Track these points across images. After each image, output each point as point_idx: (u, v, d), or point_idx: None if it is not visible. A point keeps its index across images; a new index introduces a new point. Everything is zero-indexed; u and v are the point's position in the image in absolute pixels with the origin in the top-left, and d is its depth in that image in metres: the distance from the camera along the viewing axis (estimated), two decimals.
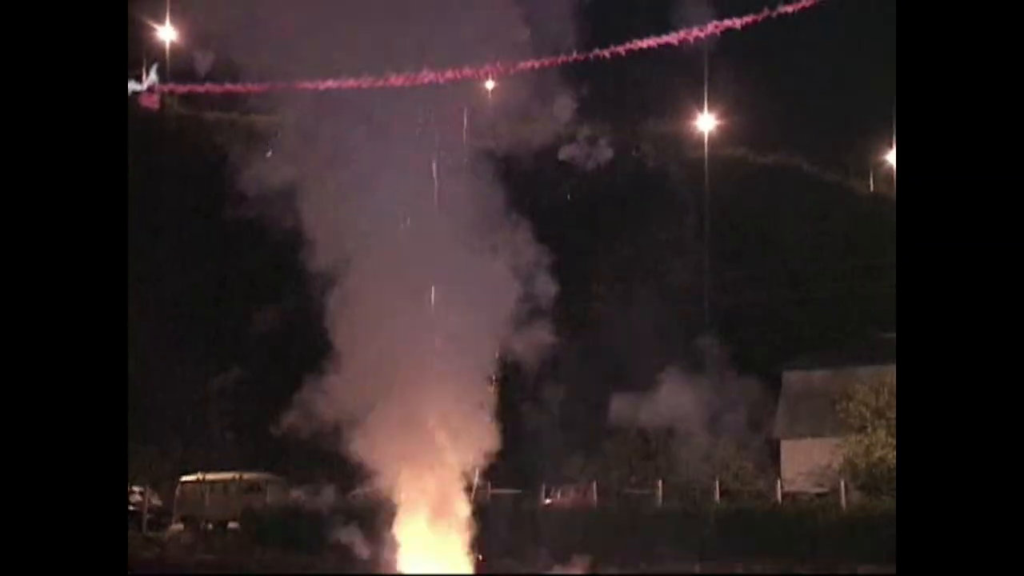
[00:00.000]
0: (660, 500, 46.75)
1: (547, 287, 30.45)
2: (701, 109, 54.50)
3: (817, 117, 62.13)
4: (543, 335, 30.59)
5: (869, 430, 45.41)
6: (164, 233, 51.25)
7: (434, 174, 29.32)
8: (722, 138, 56.72)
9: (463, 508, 32.38)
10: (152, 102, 19.02)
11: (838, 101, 59.02)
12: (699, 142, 54.61)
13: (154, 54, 29.51)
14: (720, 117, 55.01)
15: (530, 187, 30.68)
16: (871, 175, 66.78)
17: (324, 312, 29.49)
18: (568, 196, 30.97)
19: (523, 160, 30.52)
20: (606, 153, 46.31)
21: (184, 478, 50.42)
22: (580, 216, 31.31)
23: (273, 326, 30.79)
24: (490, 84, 34.98)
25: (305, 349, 29.86)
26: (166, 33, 40.32)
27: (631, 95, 37.70)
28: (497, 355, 30.22)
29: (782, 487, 48.35)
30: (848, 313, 49.83)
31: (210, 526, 48.99)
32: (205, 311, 50.49)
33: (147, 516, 49.09)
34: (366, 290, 28.87)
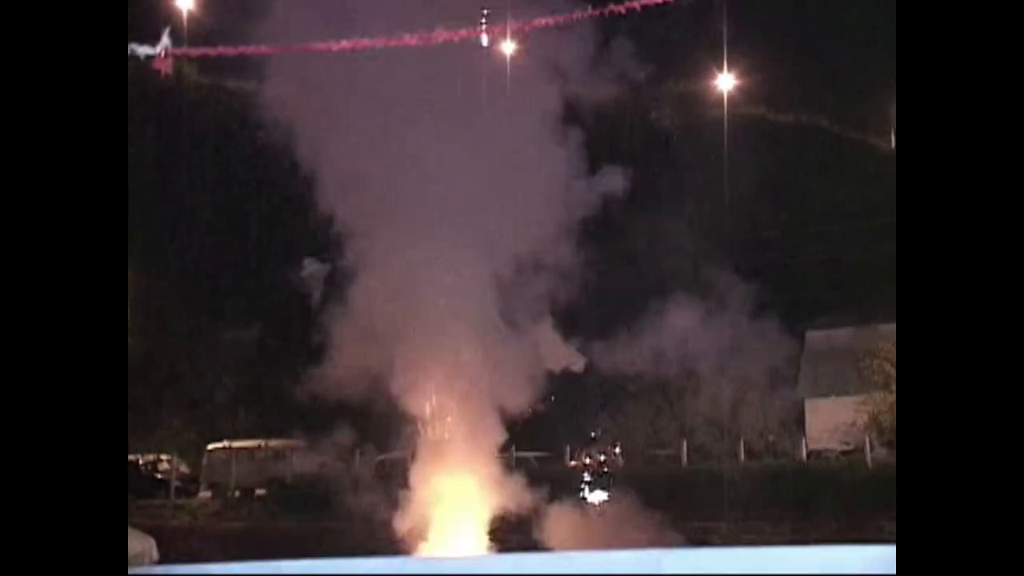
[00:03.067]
0: (685, 460, 46.99)
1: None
2: (720, 68, 54.28)
3: (836, 74, 61.88)
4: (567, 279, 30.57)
5: (892, 386, 45.43)
6: (181, 201, 51.36)
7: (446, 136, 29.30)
8: (741, 97, 56.52)
9: (490, 471, 32.53)
10: (166, 66, 19.00)
11: (857, 58, 58.70)
12: (718, 102, 54.43)
13: (169, 19, 29.41)
14: (739, 76, 54.79)
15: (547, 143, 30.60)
16: (891, 132, 66.60)
17: (345, 276, 29.60)
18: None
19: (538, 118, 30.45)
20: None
21: (211, 446, 50.72)
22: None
23: (294, 289, 30.82)
24: (509, 47, 34.91)
25: (325, 312, 29.95)
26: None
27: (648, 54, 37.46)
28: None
29: (807, 446, 48.57)
30: (869, 271, 49.77)
31: (237, 493, 49.30)
32: (224, 275, 50.59)
33: (175, 484, 49.43)
34: (390, 250, 28.94)
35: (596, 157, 30.83)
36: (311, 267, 29.53)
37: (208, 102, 49.93)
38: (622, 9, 21.94)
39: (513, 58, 32.56)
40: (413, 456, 32.17)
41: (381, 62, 26.58)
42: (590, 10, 22.38)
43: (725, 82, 54.39)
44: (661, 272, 33.72)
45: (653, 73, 45.72)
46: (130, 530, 7.52)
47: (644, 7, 26.55)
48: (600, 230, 31.15)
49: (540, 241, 29.52)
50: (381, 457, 43.24)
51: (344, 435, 38.91)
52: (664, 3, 25.19)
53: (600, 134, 31.82)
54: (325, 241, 29.54)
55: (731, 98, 54.49)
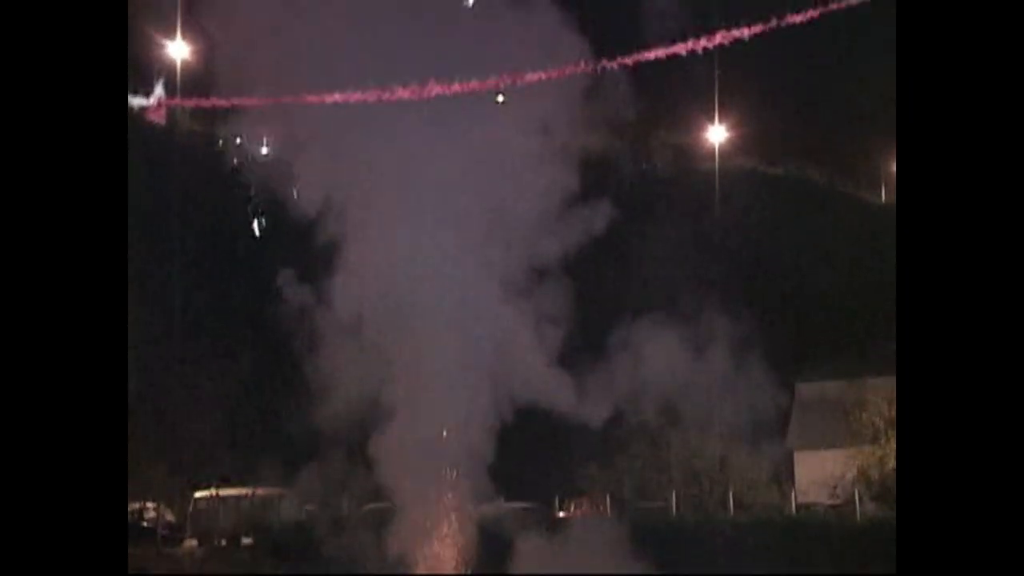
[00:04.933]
0: (674, 511, 46.73)
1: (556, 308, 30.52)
2: (712, 120, 54.57)
3: (828, 128, 62.08)
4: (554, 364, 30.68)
5: (882, 440, 45.39)
6: (170, 245, 51.23)
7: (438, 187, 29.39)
8: (733, 149, 56.74)
9: (477, 521, 32.41)
10: (159, 116, 19.02)
11: (849, 111, 58.93)
12: (709, 154, 54.64)
13: (163, 69, 29.57)
14: (731, 128, 55.05)
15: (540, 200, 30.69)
16: (883, 186, 66.74)
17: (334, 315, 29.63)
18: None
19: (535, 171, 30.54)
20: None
21: (198, 494, 50.40)
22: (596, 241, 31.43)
23: (279, 327, 30.83)
24: (500, 98, 35.05)
25: (312, 350, 29.96)
26: (176, 48, 40.33)
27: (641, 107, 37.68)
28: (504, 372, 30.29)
29: (796, 498, 48.34)
30: (860, 323, 49.74)
31: (223, 542, 48.92)
32: (211, 319, 50.45)
33: (161, 532, 49.02)
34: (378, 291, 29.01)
35: (587, 199, 30.94)
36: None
37: (199, 147, 49.94)
38: (614, 65, 22.05)
39: (506, 103, 32.75)
40: (397, 505, 32.07)
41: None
42: (583, 65, 22.51)
43: (717, 134, 54.65)
44: (646, 313, 33.64)
45: (645, 123, 45.94)
46: None
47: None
48: (586, 267, 31.21)
49: (526, 274, 29.58)
50: (369, 507, 42.98)
51: (331, 478, 38.69)
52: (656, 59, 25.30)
53: (591, 181, 31.85)
54: (315, 277, 29.58)
55: (722, 149, 54.74)
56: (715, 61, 51.19)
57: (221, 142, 36.36)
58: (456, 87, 20.91)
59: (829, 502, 47.82)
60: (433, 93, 20.43)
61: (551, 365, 30.52)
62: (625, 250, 31.84)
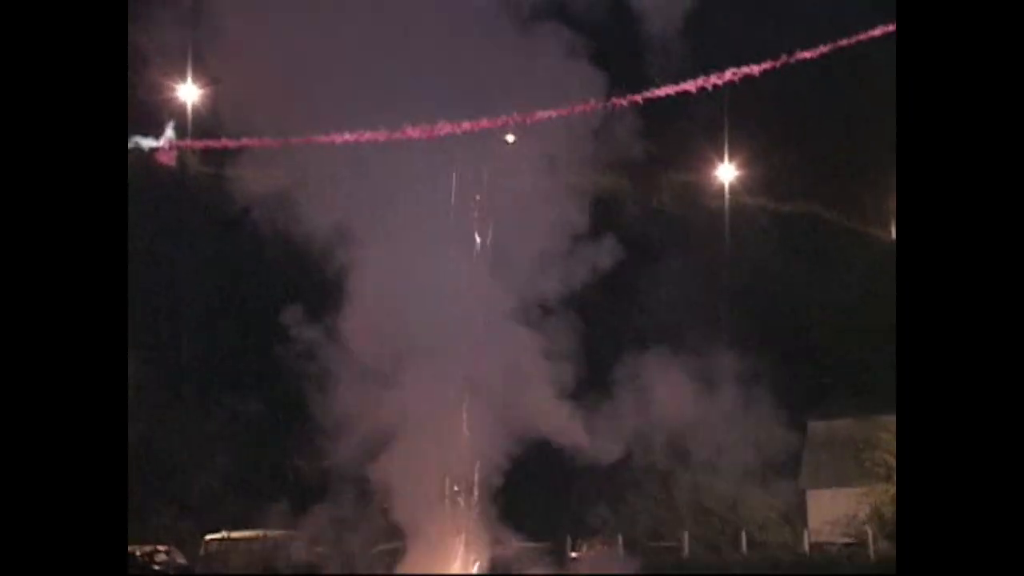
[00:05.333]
0: (687, 551, 46.59)
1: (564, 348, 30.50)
2: (721, 159, 54.58)
3: (838, 167, 62.03)
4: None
5: (895, 478, 45.21)
6: (178, 287, 51.24)
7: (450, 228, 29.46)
8: (742, 188, 56.73)
9: (489, 561, 32.30)
10: (169, 159, 19.15)
11: (859, 150, 58.90)
12: (719, 192, 54.61)
13: (173, 112, 29.66)
14: (740, 167, 55.05)
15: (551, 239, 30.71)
16: (893, 225, 66.61)
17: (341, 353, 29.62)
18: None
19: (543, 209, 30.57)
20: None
21: (208, 536, 50.21)
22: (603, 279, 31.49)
23: (288, 367, 30.84)
24: (510, 137, 35.12)
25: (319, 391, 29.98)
26: (186, 91, 40.46)
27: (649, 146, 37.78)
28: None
29: (809, 537, 48.18)
30: (871, 361, 49.61)
31: None
32: (219, 359, 50.41)
33: (172, 575, 48.85)
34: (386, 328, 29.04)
35: (595, 236, 30.98)
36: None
37: (209, 191, 50.04)
38: (624, 102, 22.06)
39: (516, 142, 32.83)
40: (407, 547, 31.99)
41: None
42: (593, 102, 22.56)
43: (726, 172, 54.67)
44: (654, 350, 33.56)
45: (654, 162, 46.04)
46: None
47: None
48: (593, 303, 31.21)
49: (533, 310, 29.58)
50: (379, 548, 42.80)
51: (341, 518, 38.48)
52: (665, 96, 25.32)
53: (599, 219, 31.88)
54: (322, 313, 29.63)
55: (732, 188, 54.75)
56: (724, 100, 51.40)
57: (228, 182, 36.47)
58: (466, 126, 20.95)
59: (842, 541, 47.68)
60: (443, 132, 20.47)
61: (560, 399, 30.46)
62: (633, 287, 31.82)
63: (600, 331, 32.10)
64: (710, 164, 55.36)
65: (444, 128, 20.98)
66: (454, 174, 28.65)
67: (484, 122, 23.43)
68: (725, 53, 24.71)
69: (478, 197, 29.28)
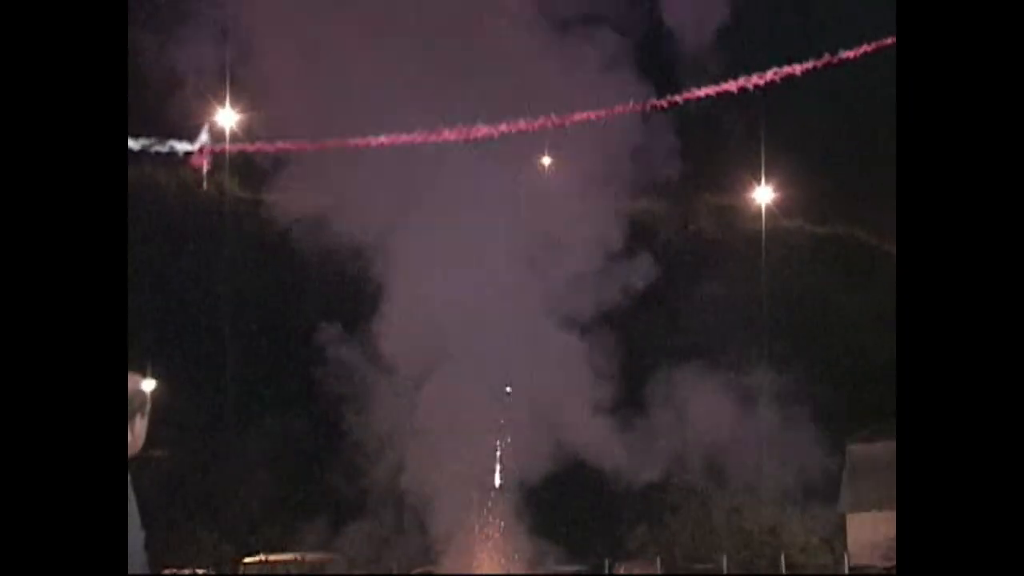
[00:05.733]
0: (725, 573, 46.35)
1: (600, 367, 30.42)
2: (758, 181, 54.45)
3: (876, 189, 61.77)
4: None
5: None
6: (216, 309, 51.40)
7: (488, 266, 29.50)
8: (779, 210, 56.60)
9: None
10: (201, 162, 19.25)
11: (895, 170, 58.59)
12: (756, 214, 54.47)
13: (208, 118, 29.74)
14: (777, 189, 54.91)
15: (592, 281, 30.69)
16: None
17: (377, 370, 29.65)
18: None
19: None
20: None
21: (246, 559, 50.28)
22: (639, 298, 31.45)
23: (323, 384, 30.91)
24: (546, 160, 35.20)
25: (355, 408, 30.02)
26: (224, 108, 40.64)
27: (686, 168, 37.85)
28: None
29: (849, 561, 47.85)
30: None
31: None
32: (258, 380, 50.56)
33: None
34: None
35: (632, 255, 30.96)
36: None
37: (248, 215, 50.29)
38: (663, 104, 22.01)
39: (553, 164, 32.88)
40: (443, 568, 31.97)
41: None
42: (631, 104, 22.48)
43: (763, 194, 54.56)
44: (691, 369, 33.43)
45: (690, 184, 46.00)
46: None
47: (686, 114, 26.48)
48: (631, 321, 31.19)
49: (570, 326, 29.55)
50: (417, 571, 42.80)
51: (379, 538, 38.52)
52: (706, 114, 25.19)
53: (636, 239, 31.88)
54: (358, 329, 29.68)
55: (769, 210, 54.62)
56: (761, 121, 51.34)
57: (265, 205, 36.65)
58: (503, 127, 20.90)
59: (883, 566, 47.30)
60: (480, 135, 20.44)
61: (596, 416, 30.41)
62: (669, 305, 31.79)
63: (637, 349, 32.06)
64: (748, 187, 55.28)
65: (481, 130, 20.96)
66: (490, 188, 28.68)
67: (521, 123, 23.39)
68: (764, 58, 24.65)
69: (516, 211, 29.32)
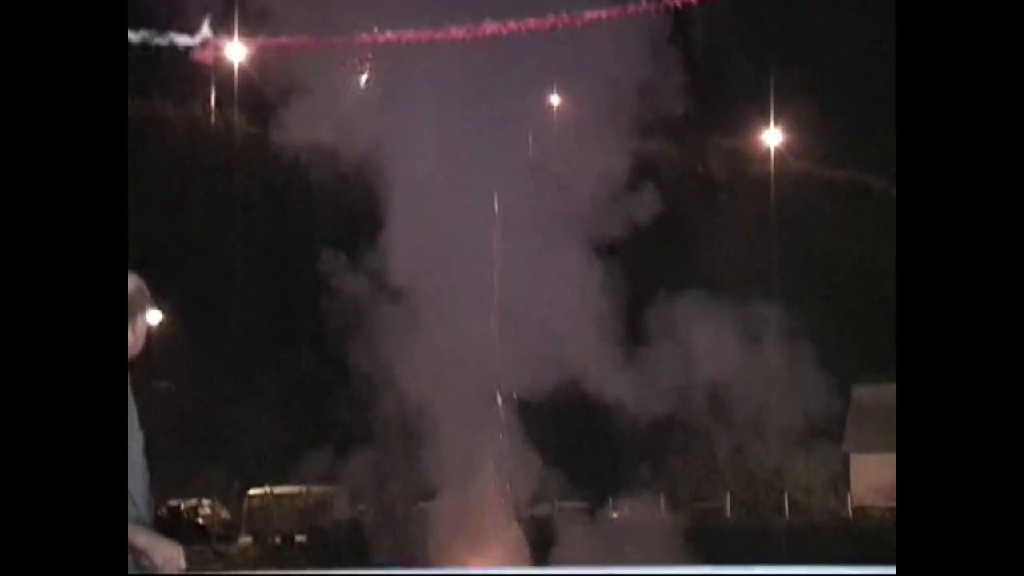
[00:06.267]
0: (729, 514, 46.57)
1: (605, 300, 30.26)
2: (767, 124, 54.29)
3: (887, 135, 61.47)
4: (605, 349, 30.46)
5: None
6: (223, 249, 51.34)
7: (495, 199, 29.32)
8: (788, 153, 56.45)
9: (528, 520, 32.39)
10: (206, 57, 19.07)
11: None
12: (765, 157, 54.35)
13: (209, 8, 28.88)
14: (786, 131, 54.74)
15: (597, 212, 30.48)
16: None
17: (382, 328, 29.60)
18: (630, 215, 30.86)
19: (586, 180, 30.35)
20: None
21: (251, 492, 50.57)
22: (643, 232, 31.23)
23: (330, 316, 30.85)
24: (555, 99, 34.99)
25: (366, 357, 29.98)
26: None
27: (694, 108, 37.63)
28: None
29: (852, 502, 48.03)
30: None
31: (278, 540, 49.07)
32: (263, 314, 50.61)
33: (216, 529, 49.33)
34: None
35: (639, 188, 30.77)
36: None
37: (257, 155, 50.20)
38: (677, 2, 21.52)
39: (562, 107, 32.70)
40: (455, 503, 32.05)
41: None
42: (645, 4, 22.00)
43: (773, 137, 54.40)
44: (698, 302, 33.27)
45: (698, 125, 45.79)
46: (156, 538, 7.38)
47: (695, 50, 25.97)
48: (636, 250, 31.07)
49: (576, 253, 29.37)
50: (421, 505, 43.00)
51: (384, 473, 38.59)
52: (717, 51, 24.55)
53: (644, 174, 31.64)
54: (360, 254, 29.56)
55: (778, 153, 54.46)
56: (771, 64, 51.10)
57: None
58: (512, 26, 20.61)
59: (886, 506, 47.42)
60: (488, 32, 20.17)
61: (600, 345, 30.29)
62: (676, 240, 31.69)
63: (642, 281, 31.96)
64: (757, 129, 55.14)
65: (489, 28, 20.68)
66: (496, 123, 28.49)
67: (530, 22, 23.03)
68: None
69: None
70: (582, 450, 40.41)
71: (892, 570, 8.72)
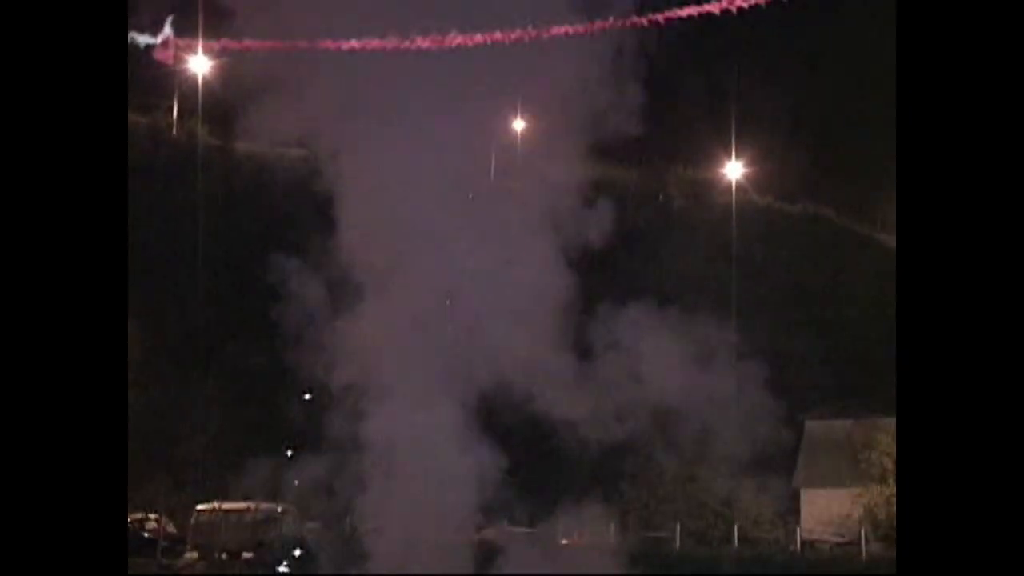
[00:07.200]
0: (678, 543, 46.53)
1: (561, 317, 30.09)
2: (729, 156, 54.63)
3: (845, 169, 61.87)
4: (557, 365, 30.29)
5: (890, 480, 45.22)
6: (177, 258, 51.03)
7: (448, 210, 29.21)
8: (749, 185, 56.77)
9: (476, 543, 32.21)
10: (166, 56, 19.02)
11: (867, 153, 58.77)
12: (726, 189, 54.64)
13: (172, 9, 28.75)
14: (748, 165, 55.10)
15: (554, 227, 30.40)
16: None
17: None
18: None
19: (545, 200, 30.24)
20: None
21: (199, 506, 50.11)
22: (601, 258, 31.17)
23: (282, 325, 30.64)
24: (519, 124, 34.98)
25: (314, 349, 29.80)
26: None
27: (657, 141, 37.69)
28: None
29: (801, 535, 48.15)
30: (871, 363, 49.57)
31: (224, 556, 48.61)
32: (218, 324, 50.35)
33: (162, 543, 48.84)
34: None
35: (597, 206, 30.68)
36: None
37: (218, 163, 50.00)
38: (644, 22, 21.51)
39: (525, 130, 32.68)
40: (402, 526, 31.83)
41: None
42: (611, 21, 22.00)
43: (734, 170, 54.70)
44: (647, 319, 33.11)
45: (660, 155, 45.87)
46: None
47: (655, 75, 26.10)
48: (593, 270, 30.94)
49: (535, 271, 29.22)
50: (370, 526, 42.70)
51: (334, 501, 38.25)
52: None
53: (607, 209, 31.46)
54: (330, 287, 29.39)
55: (739, 185, 54.75)
56: (733, 96, 51.38)
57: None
58: (478, 38, 20.61)
59: (834, 540, 47.63)
60: (454, 43, 20.15)
61: (553, 361, 30.07)
62: (631, 263, 31.59)
63: (594, 298, 31.82)
64: (719, 162, 55.45)
65: (456, 39, 20.66)
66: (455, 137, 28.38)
67: (497, 35, 23.01)
68: None
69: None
70: (533, 471, 40.16)
71: None
